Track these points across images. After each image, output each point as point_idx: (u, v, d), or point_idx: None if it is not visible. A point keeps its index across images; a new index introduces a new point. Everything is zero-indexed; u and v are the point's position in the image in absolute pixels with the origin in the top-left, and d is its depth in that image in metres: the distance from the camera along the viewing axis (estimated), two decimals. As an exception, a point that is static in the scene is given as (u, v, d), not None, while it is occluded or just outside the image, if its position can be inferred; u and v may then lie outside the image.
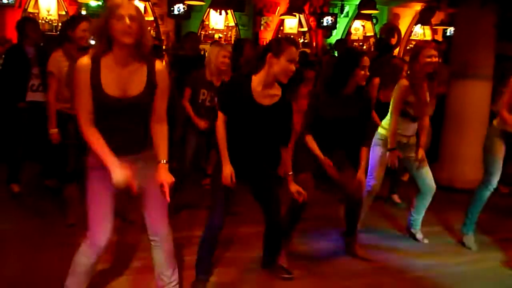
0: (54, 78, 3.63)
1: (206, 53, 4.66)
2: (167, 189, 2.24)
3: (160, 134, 2.32)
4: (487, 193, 3.63)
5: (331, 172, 3.17)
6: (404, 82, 3.55)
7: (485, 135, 3.70)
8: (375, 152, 3.64)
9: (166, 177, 2.26)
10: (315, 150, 3.18)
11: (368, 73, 3.16)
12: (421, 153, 3.64)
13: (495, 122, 3.62)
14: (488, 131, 3.69)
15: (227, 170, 2.71)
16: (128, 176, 2.12)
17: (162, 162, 2.29)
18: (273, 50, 2.64)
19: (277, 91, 2.77)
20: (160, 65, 2.26)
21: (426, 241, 3.83)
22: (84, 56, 2.16)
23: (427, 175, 3.68)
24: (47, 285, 2.82)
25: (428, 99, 3.59)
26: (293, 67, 2.65)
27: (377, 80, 4.54)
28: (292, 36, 9.40)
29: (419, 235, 3.86)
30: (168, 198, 2.26)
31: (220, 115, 2.75)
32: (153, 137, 2.32)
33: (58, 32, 7.29)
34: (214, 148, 4.32)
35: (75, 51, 3.57)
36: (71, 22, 3.73)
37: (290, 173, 2.89)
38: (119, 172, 2.10)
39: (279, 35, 9.43)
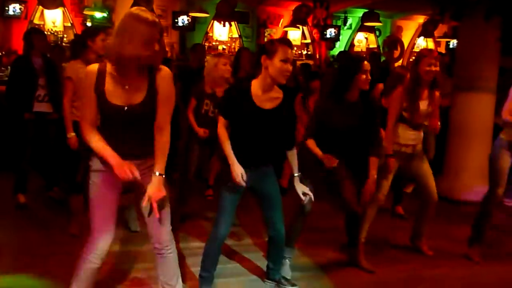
0: (71, 82, 3.68)
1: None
2: (154, 205, 2.21)
3: (159, 144, 2.27)
4: (493, 205, 3.62)
5: (330, 163, 3.12)
6: (400, 89, 3.62)
7: (492, 147, 3.70)
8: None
9: (156, 192, 2.22)
10: (314, 149, 3.16)
11: (370, 77, 3.17)
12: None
13: (502, 134, 3.63)
14: (495, 142, 3.69)
15: (237, 169, 2.66)
16: (132, 169, 2.14)
17: (156, 174, 2.25)
18: (266, 52, 2.66)
19: (278, 94, 2.77)
20: (163, 72, 2.24)
21: (430, 253, 3.82)
22: (95, 63, 2.22)
23: (430, 186, 3.69)
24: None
25: (427, 108, 3.60)
26: (288, 67, 2.65)
27: (380, 86, 4.55)
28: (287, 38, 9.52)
29: (423, 247, 3.85)
30: (156, 214, 2.23)
31: (221, 120, 2.75)
32: (155, 148, 2.30)
33: (69, 44, 7.32)
34: (217, 157, 4.35)
35: (94, 59, 3.64)
36: (90, 32, 3.83)
37: (296, 174, 2.88)
38: (122, 165, 2.13)
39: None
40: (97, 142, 2.21)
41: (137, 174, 2.15)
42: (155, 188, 2.23)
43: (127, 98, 2.18)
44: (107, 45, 2.19)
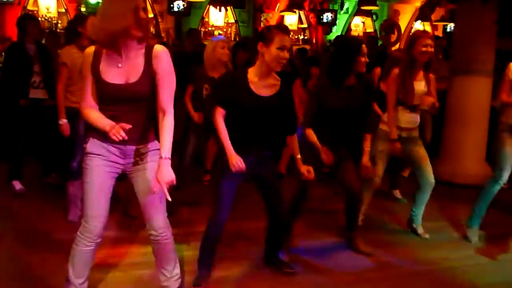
0: (66, 68, 3.67)
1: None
2: (164, 188, 2.17)
3: (164, 126, 2.23)
4: (497, 188, 3.63)
5: (328, 160, 3.15)
6: (395, 71, 3.61)
7: (496, 132, 3.70)
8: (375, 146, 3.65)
9: (164, 175, 2.17)
10: (314, 142, 3.16)
11: (368, 60, 3.17)
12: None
13: (502, 118, 3.62)
14: (498, 127, 3.69)
15: (234, 158, 2.64)
16: (123, 128, 2.13)
17: (162, 157, 2.19)
18: (263, 39, 2.64)
19: (275, 81, 2.77)
20: (159, 49, 2.21)
21: (427, 235, 3.84)
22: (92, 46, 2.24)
23: (426, 170, 3.70)
24: (49, 281, 2.83)
25: (423, 88, 3.60)
26: (285, 54, 2.63)
27: (378, 70, 4.58)
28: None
29: (420, 230, 3.87)
30: (168, 197, 2.19)
31: (217, 109, 2.71)
32: (159, 130, 2.26)
33: (63, 30, 7.12)
34: (214, 142, 4.34)
35: (88, 44, 3.60)
36: (79, 19, 3.82)
37: (299, 156, 2.90)
38: (115, 126, 2.13)
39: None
40: (92, 113, 2.24)
41: (124, 135, 2.12)
42: (164, 171, 2.18)
43: (124, 77, 2.17)
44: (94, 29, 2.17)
